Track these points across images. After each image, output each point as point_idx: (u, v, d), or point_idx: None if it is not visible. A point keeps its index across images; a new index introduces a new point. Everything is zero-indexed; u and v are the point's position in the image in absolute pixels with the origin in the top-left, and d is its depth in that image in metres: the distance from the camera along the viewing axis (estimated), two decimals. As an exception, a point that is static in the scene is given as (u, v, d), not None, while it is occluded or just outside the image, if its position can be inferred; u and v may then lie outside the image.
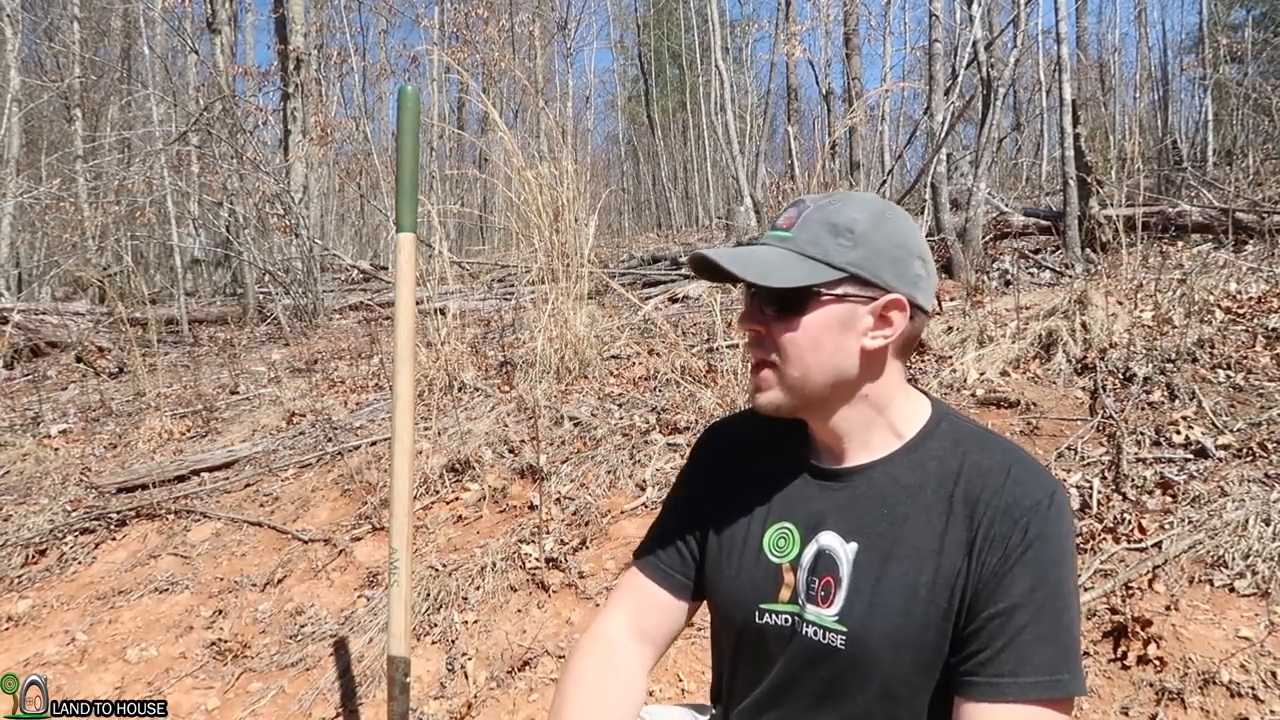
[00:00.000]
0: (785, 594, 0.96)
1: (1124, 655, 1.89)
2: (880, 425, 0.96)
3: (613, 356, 4.10)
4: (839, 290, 0.91)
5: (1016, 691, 0.83)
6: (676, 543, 1.08)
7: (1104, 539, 2.24)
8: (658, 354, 3.86)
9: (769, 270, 0.91)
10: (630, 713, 1.02)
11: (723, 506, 1.06)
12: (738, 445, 1.09)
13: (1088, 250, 5.16)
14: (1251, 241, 5.06)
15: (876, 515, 0.93)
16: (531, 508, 2.85)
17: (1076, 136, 5.45)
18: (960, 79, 6.47)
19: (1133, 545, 2.18)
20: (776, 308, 0.93)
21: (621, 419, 3.36)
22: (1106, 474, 2.48)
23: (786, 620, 0.95)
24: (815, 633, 0.93)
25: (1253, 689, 1.72)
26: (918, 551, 0.90)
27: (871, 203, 0.95)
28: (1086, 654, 1.93)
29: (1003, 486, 0.89)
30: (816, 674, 0.93)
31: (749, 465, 1.06)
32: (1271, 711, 1.68)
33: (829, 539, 0.95)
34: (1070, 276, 4.57)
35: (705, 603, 1.09)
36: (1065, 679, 0.84)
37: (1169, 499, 2.31)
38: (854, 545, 0.93)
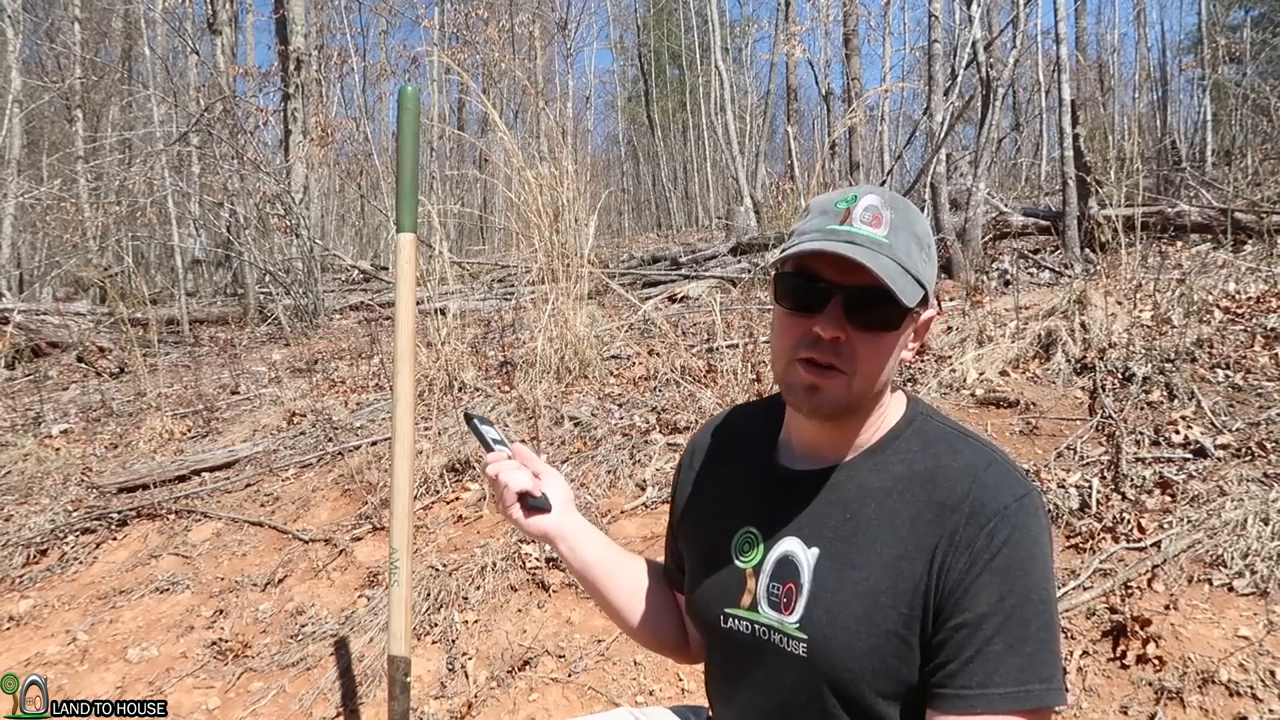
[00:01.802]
0: (746, 599, 0.95)
1: (1123, 654, 1.89)
2: (868, 425, 0.95)
3: (613, 356, 4.11)
4: (919, 306, 0.89)
5: (984, 704, 0.81)
6: (670, 553, 1.16)
7: (1103, 538, 2.24)
8: (658, 354, 3.86)
9: (895, 283, 0.84)
10: (644, 588, 1.16)
11: (696, 512, 1.07)
12: (710, 450, 1.09)
13: (1087, 250, 5.16)
14: (1250, 241, 5.07)
15: (839, 520, 0.91)
16: (532, 507, 2.85)
17: (1076, 137, 5.45)
18: (960, 79, 6.47)
19: (1132, 545, 2.18)
20: (874, 319, 0.87)
21: (621, 419, 3.36)
22: (1106, 474, 2.48)
23: (748, 627, 0.95)
24: (779, 640, 0.91)
25: (1251, 688, 1.72)
26: (879, 557, 0.87)
27: (917, 209, 0.93)
28: (1086, 653, 1.93)
29: (969, 490, 0.85)
30: (780, 680, 0.92)
31: (720, 469, 1.06)
32: (1270, 710, 1.68)
33: (791, 544, 0.93)
34: (1069, 276, 4.58)
35: None
36: (1035, 689, 0.81)
37: (1168, 498, 2.32)
38: (815, 551, 0.91)
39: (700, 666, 2.09)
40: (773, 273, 0.94)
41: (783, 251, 0.91)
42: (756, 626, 0.94)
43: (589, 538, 1.11)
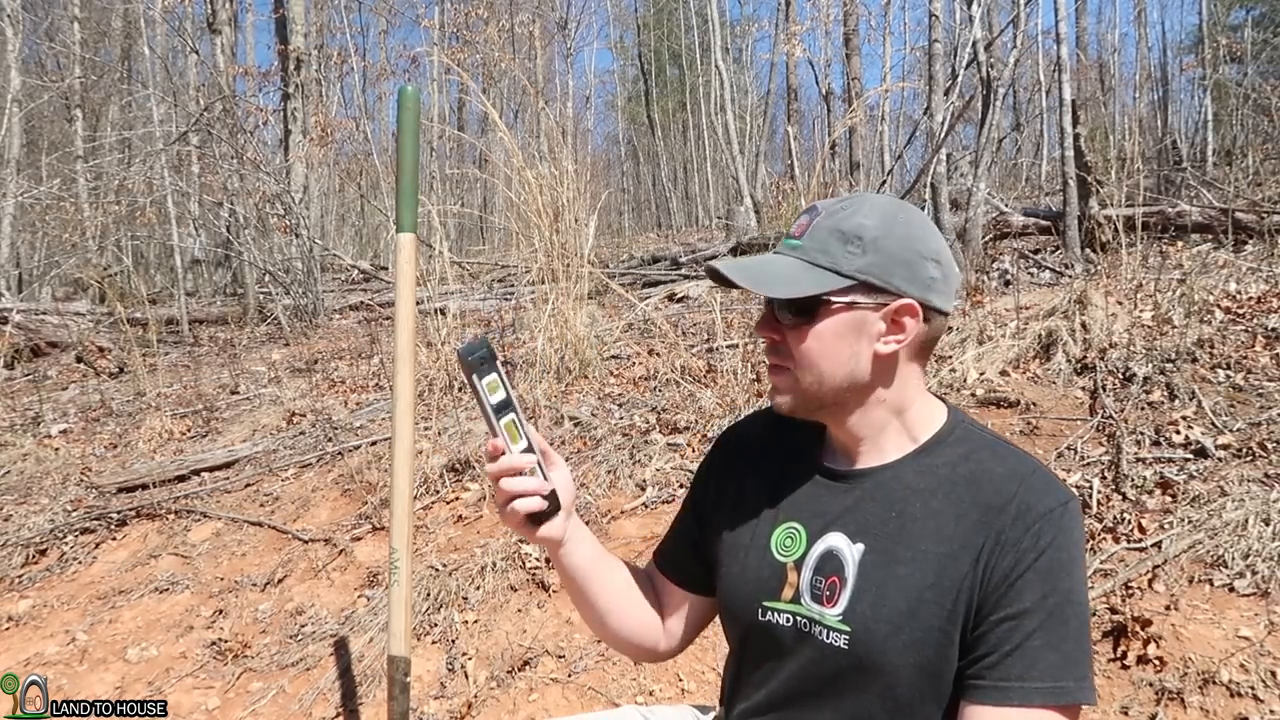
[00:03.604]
0: (788, 592, 0.97)
1: (1124, 655, 1.89)
2: (895, 428, 0.97)
3: (613, 356, 4.11)
4: (848, 298, 0.92)
5: (1021, 696, 0.84)
6: (682, 543, 1.13)
7: (1104, 539, 2.24)
8: (658, 354, 3.86)
9: (776, 281, 0.93)
10: (636, 599, 1.12)
11: (733, 507, 1.07)
12: (749, 448, 1.10)
13: (1087, 250, 5.16)
14: (1251, 241, 5.06)
15: (884, 517, 0.94)
16: (532, 508, 2.85)
17: (1076, 136, 5.45)
18: (960, 79, 6.47)
19: (1132, 545, 2.18)
20: (791, 316, 0.94)
21: (621, 419, 3.36)
22: (1106, 474, 2.48)
23: (788, 619, 0.96)
24: (819, 632, 0.93)
25: (1252, 688, 1.72)
26: (924, 554, 0.90)
27: (884, 206, 0.95)
28: (1086, 653, 1.93)
29: (1016, 493, 0.89)
30: (819, 673, 0.94)
31: (760, 467, 1.07)
32: (1271, 711, 1.68)
33: (836, 539, 0.95)
34: (1070, 276, 4.57)
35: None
36: (1069, 686, 0.84)
37: (1169, 499, 2.32)
38: (860, 546, 0.94)
39: (699, 667, 2.08)
40: None
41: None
42: (798, 619, 0.95)
43: (585, 544, 1.06)
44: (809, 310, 0.93)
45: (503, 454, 0.93)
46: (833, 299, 0.92)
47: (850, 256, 0.92)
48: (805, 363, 0.94)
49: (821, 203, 0.97)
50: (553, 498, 0.95)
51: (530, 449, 0.94)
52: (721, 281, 0.99)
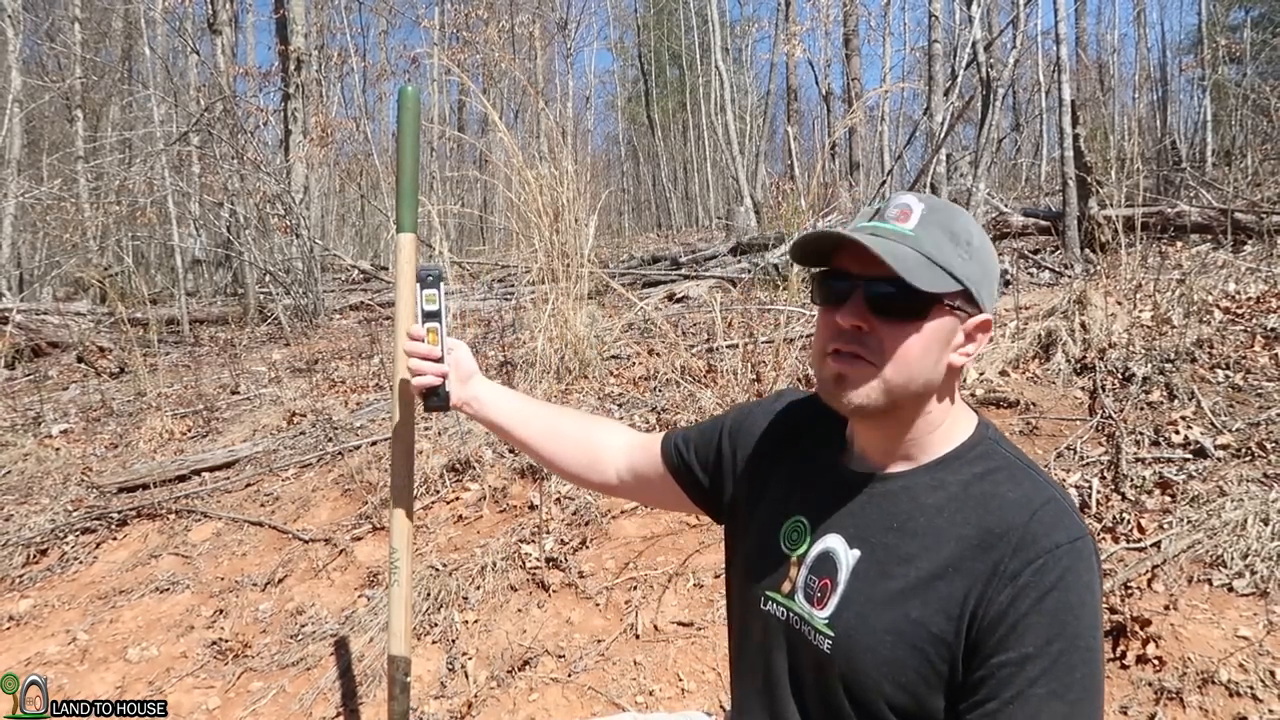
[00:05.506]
0: (787, 586, 0.97)
1: (1123, 654, 1.89)
2: (926, 438, 0.94)
3: (613, 356, 4.11)
4: (956, 302, 0.89)
5: None
6: (698, 441, 1.17)
7: (1103, 539, 2.24)
8: (658, 354, 3.86)
9: (911, 269, 0.85)
10: (590, 431, 1.29)
11: (759, 488, 1.07)
12: (794, 428, 1.08)
13: (1087, 250, 5.16)
14: (1250, 242, 5.07)
15: (885, 527, 0.91)
16: (532, 507, 2.86)
17: (1076, 137, 5.45)
18: (960, 79, 6.48)
19: (1132, 545, 2.18)
20: (893, 309, 0.87)
21: (621, 419, 3.36)
22: (1106, 474, 2.49)
23: (783, 613, 0.97)
24: (808, 631, 0.93)
25: (1251, 688, 1.72)
26: (917, 571, 0.87)
27: (969, 216, 0.93)
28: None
29: (1024, 523, 0.84)
30: (803, 673, 0.94)
31: (791, 449, 1.07)
32: (1270, 710, 1.68)
33: (834, 541, 0.94)
34: (1069, 276, 4.58)
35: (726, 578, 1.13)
36: None
37: (1168, 499, 2.32)
38: (856, 552, 0.92)
39: (699, 667, 2.09)
40: (807, 277, 0.97)
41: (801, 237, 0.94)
42: (791, 614, 0.96)
43: (497, 400, 1.27)
44: (920, 308, 0.87)
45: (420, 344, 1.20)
46: (944, 300, 0.88)
47: (961, 260, 0.88)
48: (898, 360, 0.87)
49: (912, 194, 0.92)
50: (444, 397, 1.21)
51: (441, 358, 1.21)
52: (811, 251, 0.92)
